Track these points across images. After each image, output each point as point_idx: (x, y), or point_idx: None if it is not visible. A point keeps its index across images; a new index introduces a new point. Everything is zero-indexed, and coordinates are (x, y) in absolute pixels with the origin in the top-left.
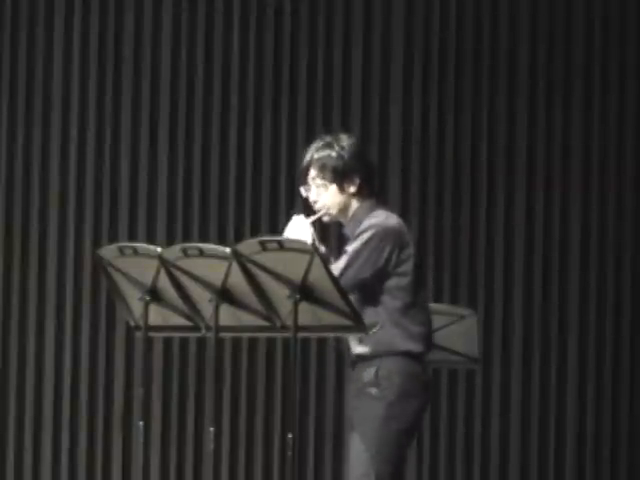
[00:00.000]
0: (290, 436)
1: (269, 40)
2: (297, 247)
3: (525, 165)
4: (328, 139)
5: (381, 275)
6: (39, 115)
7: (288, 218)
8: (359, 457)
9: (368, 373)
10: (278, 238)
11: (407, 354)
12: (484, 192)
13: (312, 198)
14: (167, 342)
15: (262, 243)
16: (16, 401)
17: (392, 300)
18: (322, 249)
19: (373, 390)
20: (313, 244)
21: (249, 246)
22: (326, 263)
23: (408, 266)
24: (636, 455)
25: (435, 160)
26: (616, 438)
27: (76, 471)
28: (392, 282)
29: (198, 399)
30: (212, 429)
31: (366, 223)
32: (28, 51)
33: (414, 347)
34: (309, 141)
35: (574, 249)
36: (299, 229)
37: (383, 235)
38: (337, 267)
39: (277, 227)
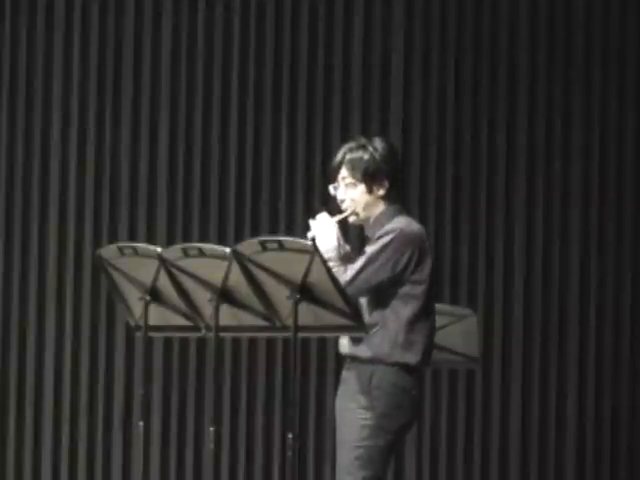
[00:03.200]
0: (290, 436)
1: (269, 37)
2: (297, 247)
3: (525, 163)
4: (362, 141)
5: (397, 280)
6: (39, 115)
7: (288, 218)
8: (349, 464)
9: (361, 379)
10: (278, 238)
11: (403, 366)
12: (483, 179)
13: (340, 197)
14: (167, 342)
15: (262, 243)
16: (16, 401)
17: (403, 307)
18: (347, 248)
19: (364, 399)
20: (313, 244)
21: (249, 246)
22: (326, 263)
23: (424, 274)
24: (636, 455)
25: (435, 155)
26: (616, 436)
27: (76, 471)
28: (406, 289)
29: (198, 399)
30: (212, 429)
31: (388, 227)
32: (28, 51)
33: (411, 359)
34: (309, 141)
35: (574, 246)
36: (324, 227)
37: (403, 240)
38: (353, 268)
39: (277, 227)
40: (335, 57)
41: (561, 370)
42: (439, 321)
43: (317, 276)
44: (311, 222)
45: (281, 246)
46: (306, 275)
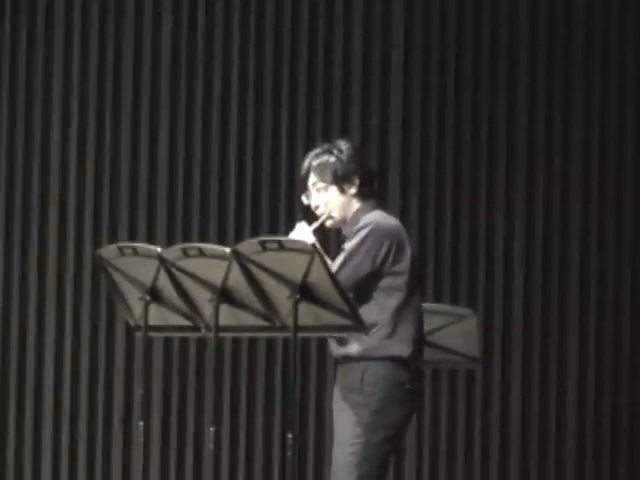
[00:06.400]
0: (290, 436)
1: (269, 33)
2: (297, 247)
3: (525, 162)
4: (325, 146)
5: (377, 273)
6: (39, 115)
7: (288, 218)
8: (344, 462)
9: (353, 377)
10: (278, 238)
11: (395, 359)
12: (483, 175)
13: (314, 203)
14: (167, 342)
15: (262, 243)
16: (16, 401)
17: (387, 299)
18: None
19: (357, 396)
20: (313, 244)
21: (249, 246)
22: (326, 263)
23: (404, 266)
24: (636, 452)
25: (435, 158)
26: (616, 432)
27: (76, 471)
28: (387, 281)
29: (198, 399)
30: (212, 429)
31: (363, 221)
32: (28, 51)
33: (402, 351)
34: (309, 138)
35: (574, 242)
36: (302, 236)
37: (380, 233)
38: (334, 264)
39: (277, 227)
40: (335, 53)
41: (561, 366)
42: (439, 321)
43: (317, 276)
44: (292, 233)
45: (281, 246)
46: (306, 275)
